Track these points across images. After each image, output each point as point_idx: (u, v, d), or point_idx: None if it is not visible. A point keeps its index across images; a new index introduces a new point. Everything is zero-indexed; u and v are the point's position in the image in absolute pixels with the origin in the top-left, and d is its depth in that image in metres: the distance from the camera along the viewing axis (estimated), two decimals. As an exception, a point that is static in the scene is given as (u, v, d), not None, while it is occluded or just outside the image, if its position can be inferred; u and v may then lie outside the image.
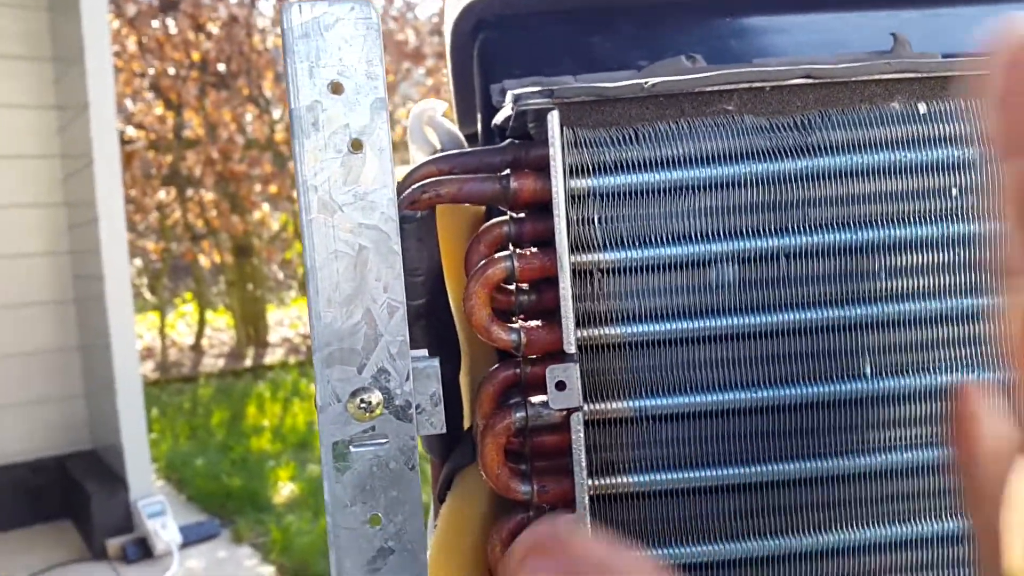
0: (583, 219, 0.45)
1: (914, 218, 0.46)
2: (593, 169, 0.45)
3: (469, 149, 0.54)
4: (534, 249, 0.47)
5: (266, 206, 7.69)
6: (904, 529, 0.46)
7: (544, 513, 0.47)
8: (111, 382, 3.40)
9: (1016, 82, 0.25)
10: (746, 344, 0.45)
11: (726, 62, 0.53)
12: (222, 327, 8.58)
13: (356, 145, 0.40)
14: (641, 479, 0.46)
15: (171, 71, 6.95)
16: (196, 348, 7.75)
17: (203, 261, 7.73)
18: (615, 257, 0.45)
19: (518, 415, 0.46)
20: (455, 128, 0.66)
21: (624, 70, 0.54)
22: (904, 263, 0.46)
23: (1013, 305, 0.24)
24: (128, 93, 6.91)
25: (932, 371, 0.46)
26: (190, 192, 7.31)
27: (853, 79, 0.46)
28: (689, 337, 0.45)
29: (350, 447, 0.40)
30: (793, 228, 0.45)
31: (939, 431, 0.46)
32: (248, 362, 7.16)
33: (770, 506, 0.46)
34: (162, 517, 3.28)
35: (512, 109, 0.47)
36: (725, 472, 0.46)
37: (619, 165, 0.45)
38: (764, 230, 0.45)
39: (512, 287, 0.48)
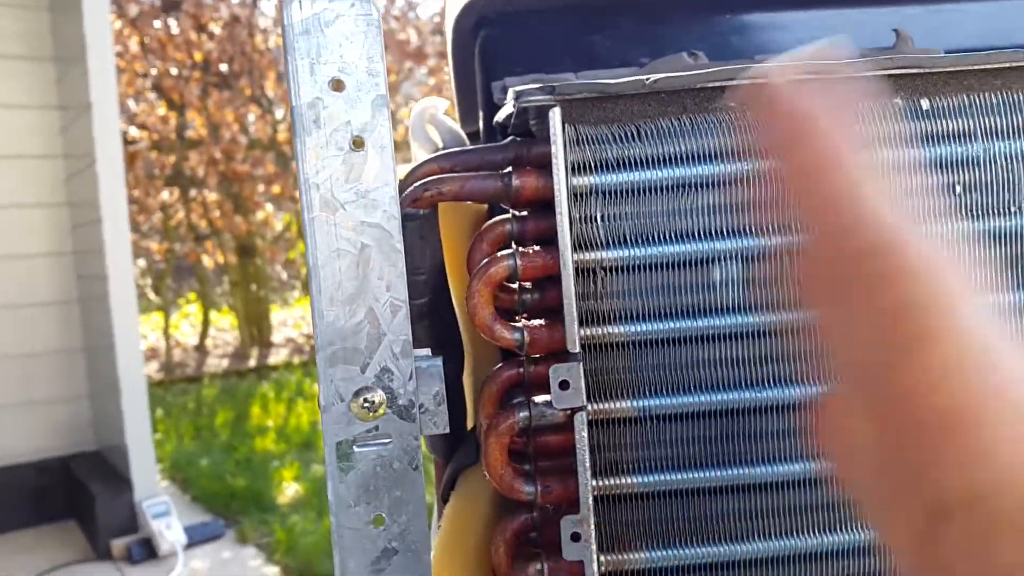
0: (585, 217, 0.45)
1: (916, 215, 0.45)
2: (595, 166, 0.45)
3: (471, 147, 0.54)
4: (537, 247, 0.46)
5: (269, 206, 7.69)
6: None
7: (548, 514, 0.47)
8: (115, 382, 3.40)
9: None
10: (750, 343, 0.45)
11: (728, 59, 0.53)
12: (226, 327, 8.58)
13: (358, 143, 0.40)
14: (645, 479, 0.46)
15: (173, 71, 6.95)
16: (200, 348, 7.75)
17: (207, 261, 7.73)
18: (618, 255, 0.45)
19: (522, 415, 0.46)
20: (457, 126, 0.66)
21: (625, 67, 0.54)
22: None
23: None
24: (131, 93, 6.91)
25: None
26: (193, 192, 7.31)
27: (855, 75, 0.46)
28: (693, 336, 0.45)
29: (354, 447, 0.40)
30: (795, 225, 0.45)
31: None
32: (252, 362, 7.16)
33: (775, 507, 0.46)
34: (166, 517, 3.28)
35: (513, 106, 0.46)
36: (730, 472, 0.45)
37: (621, 162, 0.45)
38: (767, 228, 0.45)
39: (515, 286, 0.47)
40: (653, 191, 0.45)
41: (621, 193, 0.45)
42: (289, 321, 8.85)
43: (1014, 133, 0.46)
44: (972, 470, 0.20)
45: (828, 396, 0.26)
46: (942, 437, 0.20)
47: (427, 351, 0.44)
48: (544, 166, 0.45)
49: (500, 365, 0.48)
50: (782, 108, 0.26)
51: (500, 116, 0.52)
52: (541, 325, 0.46)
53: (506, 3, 0.65)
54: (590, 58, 0.63)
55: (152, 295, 8.26)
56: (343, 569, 0.40)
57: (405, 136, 0.70)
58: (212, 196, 7.27)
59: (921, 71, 0.46)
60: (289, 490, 3.96)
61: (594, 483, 0.45)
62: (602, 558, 0.46)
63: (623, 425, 0.46)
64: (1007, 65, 0.46)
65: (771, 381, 0.45)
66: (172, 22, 6.92)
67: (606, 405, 0.45)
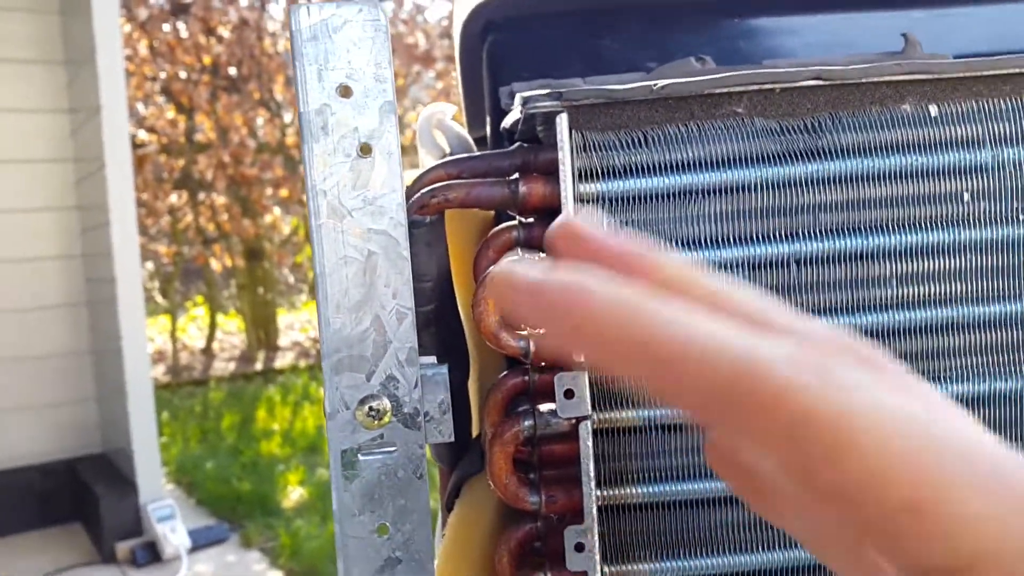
0: (592, 224, 0.45)
1: (925, 223, 0.45)
2: (602, 173, 0.45)
3: (478, 153, 0.53)
4: (543, 255, 0.46)
5: (277, 210, 7.70)
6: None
7: (552, 524, 0.47)
8: (122, 385, 3.41)
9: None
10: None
11: (736, 63, 0.52)
12: (233, 331, 8.59)
13: (365, 149, 0.40)
14: (650, 490, 0.45)
15: (182, 75, 6.98)
16: (207, 352, 7.76)
17: (214, 265, 7.75)
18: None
19: (526, 423, 0.46)
20: (464, 131, 0.66)
21: (633, 72, 0.53)
22: (915, 269, 0.45)
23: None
24: (140, 97, 6.93)
25: (945, 379, 0.45)
26: (202, 196, 7.33)
27: (863, 80, 0.45)
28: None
29: (359, 455, 0.40)
30: (803, 233, 0.45)
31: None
32: (259, 366, 7.17)
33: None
34: (171, 521, 3.28)
35: (521, 112, 0.46)
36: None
37: (628, 169, 0.45)
38: (774, 235, 0.45)
39: (521, 293, 0.47)
40: (660, 198, 0.45)
41: (628, 200, 0.45)
42: (296, 325, 8.86)
43: (1023, 139, 0.45)
44: (953, 541, 0.19)
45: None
46: (898, 522, 0.20)
47: (432, 359, 0.44)
48: (551, 173, 0.45)
49: (505, 373, 0.48)
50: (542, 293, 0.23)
51: (507, 122, 0.52)
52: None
53: (514, 7, 0.65)
54: (598, 62, 0.63)
55: (160, 298, 8.28)
56: (347, 577, 0.40)
57: (412, 140, 0.70)
58: (220, 200, 7.28)
59: (930, 77, 0.45)
60: (294, 494, 3.96)
61: (598, 493, 0.45)
62: (606, 569, 0.45)
63: (628, 434, 0.45)
64: (1016, 71, 0.45)
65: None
66: (181, 26, 6.95)
67: (611, 414, 0.45)
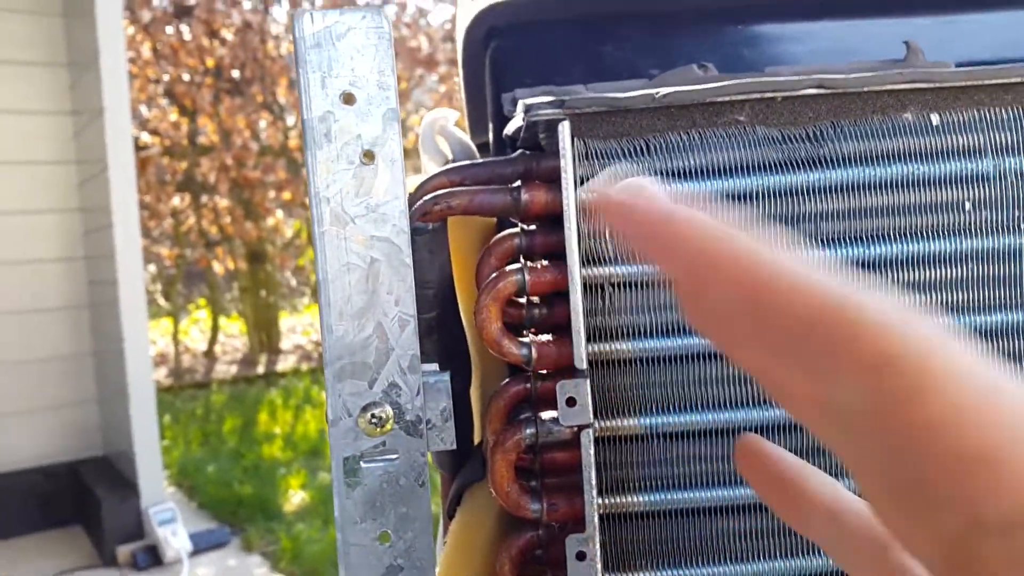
0: (594, 232, 0.45)
1: (927, 232, 0.45)
2: (605, 181, 0.45)
3: (480, 160, 0.54)
4: (545, 262, 0.46)
5: (280, 212, 7.71)
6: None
7: (554, 531, 0.47)
8: (124, 388, 3.41)
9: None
10: (759, 359, 0.45)
11: (738, 70, 0.53)
12: (235, 333, 8.60)
13: (368, 156, 0.40)
14: (652, 498, 0.45)
15: (185, 77, 6.99)
16: (209, 354, 7.77)
17: (217, 267, 7.76)
18: (627, 271, 0.45)
19: (528, 431, 0.46)
20: (467, 138, 0.66)
21: (636, 78, 0.54)
22: (917, 278, 0.45)
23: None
24: (143, 99, 6.95)
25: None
26: (204, 198, 7.34)
27: (865, 89, 0.45)
28: (701, 353, 0.45)
29: (361, 462, 0.40)
30: (804, 242, 0.45)
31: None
32: (260, 369, 7.18)
33: (783, 526, 0.45)
34: (172, 524, 3.28)
35: (523, 120, 0.46)
36: (737, 492, 0.45)
37: (630, 177, 0.45)
38: (776, 244, 0.45)
39: (523, 300, 0.47)
40: (662, 206, 0.45)
41: (630, 208, 0.45)
42: (298, 328, 8.87)
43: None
44: (1011, 497, 0.20)
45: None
46: (969, 470, 0.20)
47: (435, 366, 0.44)
48: (553, 180, 0.45)
49: (507, 380, 0.48)
50: (644, 214, 0.25)
51: (509, 129, 0.52)
52: (549, 341, 0.46)
53: (516, 14, 0.65)
54: (600, 68, 0.63)
55: (162, 301, 8.29)
56: (349, 584, 0.40)
57: (415, 144, 0.70)
58: (223, 202, 7.30)
59: (932, 86, 0.46)
60: (295, 498, 3.96)
61: (600, 501, 0.45)
62: (608, 576, 0.45)
63: (630, 443, 0.45)
64: (1018, 80, 0.45)
65: (780, 399, 0.45)
66: (184, 28, 6.96)
67: (613, 422, 0.45)
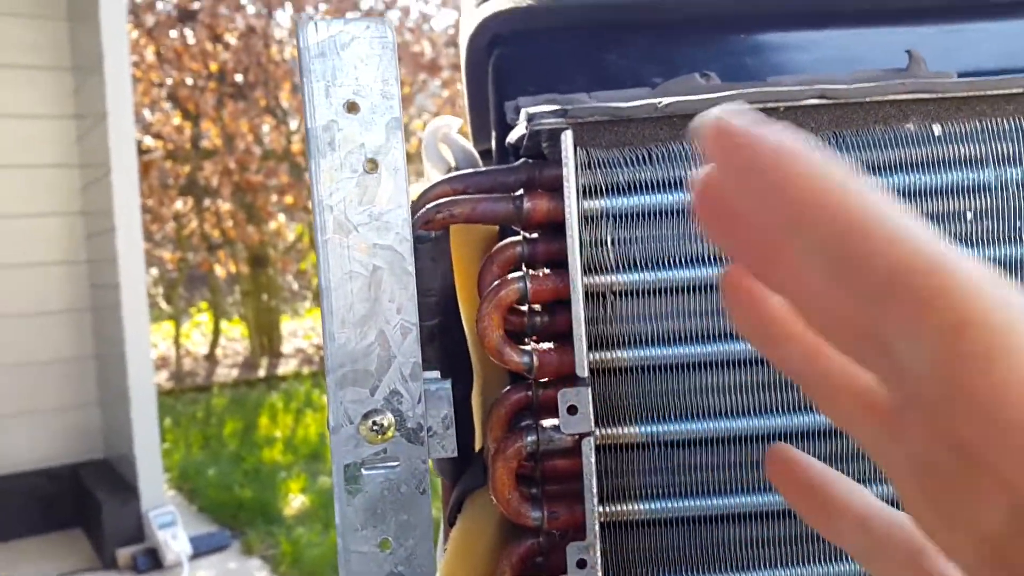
0: (596, 240, 0.45)
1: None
2: (606, 190, 0.45)
3: (483, 168, 0.54)
4: (547, 270, 0.46)
5: (282, 216, 7.72)
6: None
7: (554, 539, 0.47)
8: (125, 391, 3.41)
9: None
10: (761, 369, 0.45)
11: (741, 79, 0.53)
12: (236, 337, 8.60)
13: (371, 165, 0.40)
14: (653, 506, 0.45)
15: (189, 81, 7.00)
16: (210, 358, 7.77)
17: (219, 271, 7.77)
18: (628, 279, 0.45)
19: (529, 439, 0.46)
20: (470, 145, 0.66)
21: (639, 87, 0.54)
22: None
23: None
24: (146, 103, 6.96)
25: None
26: (207, 202, 7.35)
27: (867, 100, 0.46)
28: (703, 362, 0.45)
29: (362, 469, 0.40)
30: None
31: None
32: (262, 372, 7.18)
33: (784, 535, 0.45)
34: (173, 527, 3.28)
35: (526, 128, 0.47)
36: (738, 500, 0.45)
37: (632, 186, 0.45)
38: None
39: (525, 308, 0.47)
40: (664, 215, 0.45)
41: (632, 217, 0.45)
42: (299, 331, 8.87)
43: (1026, 160, 0.46)
44: None
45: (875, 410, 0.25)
46: None
47: (436, 373, 0.44)
48: (556, 189, 0.46)
49: (509, 388, 0.48)
50: (756, 142, 0.25)
51: (512, 137, 0.52)
52: (550, 349, 0.46)
53: (520, 22, 0.65)
54: (603, 76, 0.63)
55: (164, 304, 8.30)
56: (349, 591, 0.40)
57: (418, 149, 0.71)
58: (225, 206, 7.30)
59: (934, 96, 0.46)
60: (296, 502, 3.96)
61: (601, 509, 0.45)
62: (609, 583, 0.45)
63: (631, 451, 0.46)
64: (1019, 90, 0.45)
65: (782, 408, 0.45)
66: (188, 32, 6.97)
67: (614, 430, 0.45)
